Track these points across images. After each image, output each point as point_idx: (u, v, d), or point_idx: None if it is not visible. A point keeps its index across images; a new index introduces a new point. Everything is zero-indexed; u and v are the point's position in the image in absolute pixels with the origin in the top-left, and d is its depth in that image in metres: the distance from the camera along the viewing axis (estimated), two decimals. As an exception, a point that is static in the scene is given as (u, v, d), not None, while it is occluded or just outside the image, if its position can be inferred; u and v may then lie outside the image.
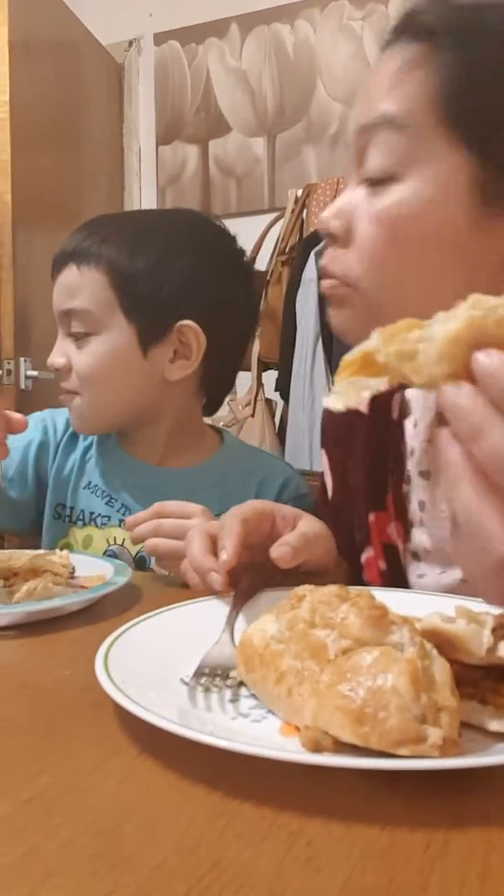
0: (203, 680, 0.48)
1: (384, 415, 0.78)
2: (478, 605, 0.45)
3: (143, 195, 3.15)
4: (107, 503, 1.00)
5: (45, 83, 2.57)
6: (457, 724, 0.38)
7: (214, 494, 0.83)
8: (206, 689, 0.48)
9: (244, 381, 2.28)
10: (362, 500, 0.80)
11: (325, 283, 0.66)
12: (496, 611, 0.45)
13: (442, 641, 0.42)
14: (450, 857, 0.32)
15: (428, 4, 0.59)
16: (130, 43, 3.12)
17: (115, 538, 0.99)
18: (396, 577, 0.75)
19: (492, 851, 0.32)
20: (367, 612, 0.42)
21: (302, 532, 0.65)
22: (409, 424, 0.77)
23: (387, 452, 0.78)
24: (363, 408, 0.77)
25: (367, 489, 0.79)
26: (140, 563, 0.97)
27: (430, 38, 0.58)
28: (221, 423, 2.17)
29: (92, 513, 1.01)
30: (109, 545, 0.99)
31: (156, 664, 0.49)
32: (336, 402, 0.38)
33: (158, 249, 0.94)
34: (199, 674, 0.49)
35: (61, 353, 0.95)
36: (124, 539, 0.98)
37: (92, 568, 0.79)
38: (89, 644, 0.50)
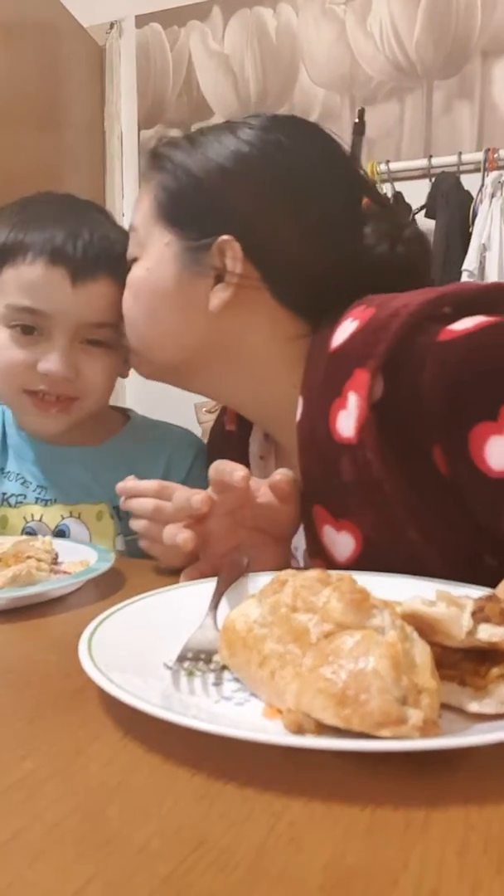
0: (186, 664, 0.49)
1: (249, 427, 0.96)
2: (457, 589, 0.45)
3: (124, 179, 3.12)
4: (21, 483, 1.00)
5: (26, 65, 2.53)
6: (437, 705, 0.38)
7: (122, 472, 0.82)
8: (190, 673, 0.48)
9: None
10: None
11: None
12: (475, 594, 0.45)
13: (422, 625, 0.42)
14: (430, 835, 0.32)
15: (159, 142, 0.85)
16: (112, 25, 3.08)
17: (31, 515, 0.98)
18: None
19: (470, 830, 0.33)
20: (349, 596, 0.42)
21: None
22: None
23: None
24: None
25: None
26: (59, 537, 0.96)
27: (154, 163, 0.83)
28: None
29: (4, 493, 1.00)
30: (27, 522, 0.98)
31: (139, 649, 0.50)
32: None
33: None
34: (182, 658, 0.49)
35: (71, 362, 0.91)
36: (42, 515, 0.98)
37: (76, 554, 0.79)
38: (73, 629, 0.50)
